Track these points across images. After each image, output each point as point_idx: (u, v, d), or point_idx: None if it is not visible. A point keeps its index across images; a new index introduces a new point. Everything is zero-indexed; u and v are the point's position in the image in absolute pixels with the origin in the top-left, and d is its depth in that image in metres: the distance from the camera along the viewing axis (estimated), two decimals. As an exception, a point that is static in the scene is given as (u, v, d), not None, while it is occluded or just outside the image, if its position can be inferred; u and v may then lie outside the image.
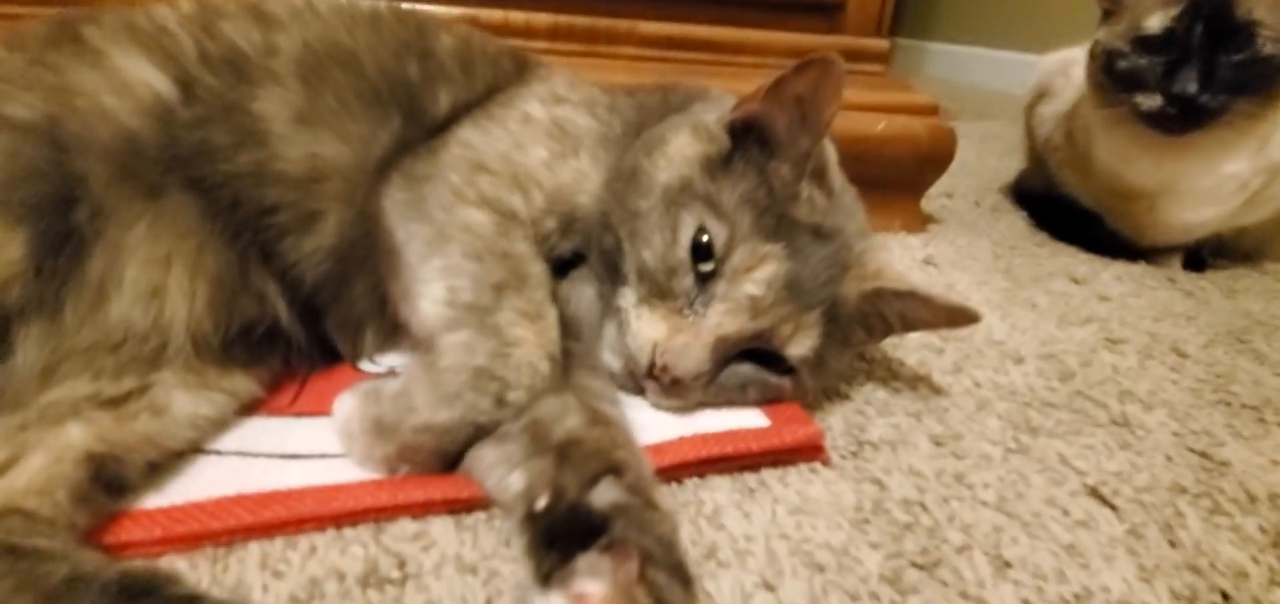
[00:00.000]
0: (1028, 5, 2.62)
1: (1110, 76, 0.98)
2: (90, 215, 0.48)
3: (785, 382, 0.57)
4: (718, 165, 0.55)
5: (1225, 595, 0.46)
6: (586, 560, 0.36)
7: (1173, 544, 0.50)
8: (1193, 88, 0.90)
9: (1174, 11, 0.92)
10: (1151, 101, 0.93)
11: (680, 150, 0.57)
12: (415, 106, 0.59)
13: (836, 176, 0.60)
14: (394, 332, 0.60)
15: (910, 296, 0.58)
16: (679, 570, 0.38)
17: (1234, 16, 0.90)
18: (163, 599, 0.33)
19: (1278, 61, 0.89)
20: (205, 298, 0.51)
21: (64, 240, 0.46)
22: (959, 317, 0.59)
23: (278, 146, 0.53)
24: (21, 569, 0.35)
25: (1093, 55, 1.01)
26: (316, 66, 0.56)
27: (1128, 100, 0.96)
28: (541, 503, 0.41)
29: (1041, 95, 1.21)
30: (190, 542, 0.43)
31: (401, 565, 0.43)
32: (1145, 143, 0.98)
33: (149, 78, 0.52)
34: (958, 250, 1.05)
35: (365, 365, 0.61)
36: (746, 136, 0.56)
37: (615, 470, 0.42)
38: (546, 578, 0.36)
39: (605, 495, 0.41)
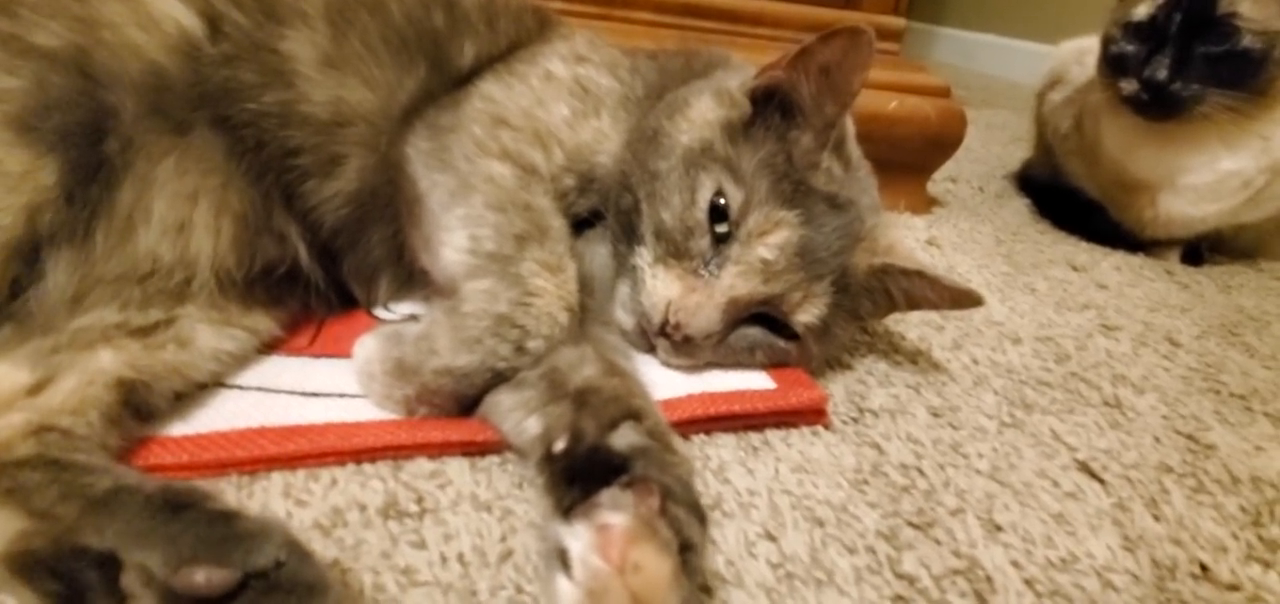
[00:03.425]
0: (1041, -6, 2.60)
1: (1106, 61, 1.01)
2: (120, 148, 0.48)
3: (792, 347, 0.58)
4: (738, 131, 0.56)
5: (1204, 567, 0.48)
6: (609, 494, 0.37)
7: (1157, 518, 0.53)
8: (1162, 74, 0.93)
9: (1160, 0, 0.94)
10: (1130, 86, 0.97)
11: (702, 114, 0.57)
12: (440, 56, 0.59)
13: (854, 149, 0.61)
14: (409, 280, 0.61)
15: (917, 276, 0.59)
16: (696, 509, 0.40)
17: (1214, 9, 0.91)
18: (203, 512, 0.34)
19: (1257, 55, 0.90)
20: (229, 236, 0.52)
21: (95, 170, 0.47)
22: (963, 299, 0.61)
23: (304, 88, 0.54)
24: (66, 480, 0.36)
25: (1102, 41, 1.03)
26: (344, 9, 0.56)
27: (1114, 84, 0.99)
28: (560, 445, 0.43)
29: (1054, 83, 1.22)
30: (216, 468, 0.45)
31: (419, 501, 0.45)
32: (1145, 132, 1.00)
33: (176, 12, 0.53)
34: (960, 234, 1.06)
35: (380, 312, 0.62)
36: (768, 104, 0.57)
37: (634, 416, 0.44)
38: (568, 512, 0.38)
39: (625, 438, 0.42)
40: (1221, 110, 0.93)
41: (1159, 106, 0.95)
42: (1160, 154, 1.00)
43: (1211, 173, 0.99)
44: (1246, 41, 0.90)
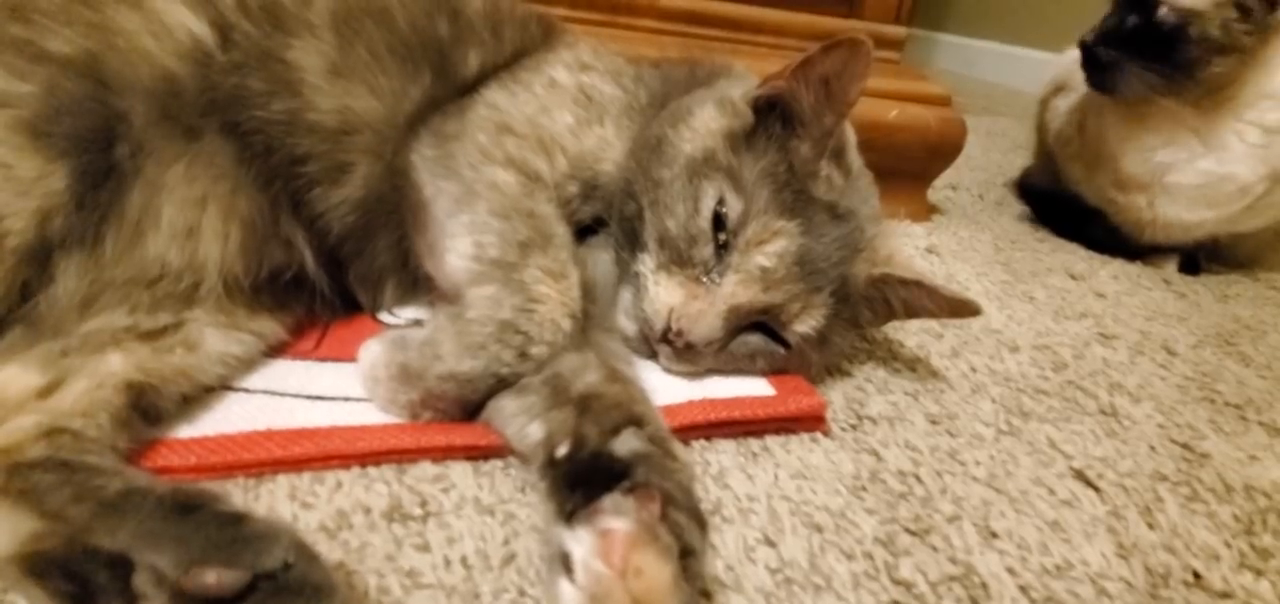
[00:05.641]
0: (1042, 1, 2.61)
1: None
2: (130, 153, 0.49)
3: (793, 354, 0.59)
4: (741, 140, 0.57)
5: (1197, 574, 0.49)
6: (611, 500, 0.38)
7: (1151, 526, 0.53)
8: (1089, 37, 0.99)
9: None
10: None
11: (705, 123, 0.58)
12: (445, 65, 0.60)
13: (855, 158, 0.62)
14: (413, 286, 0.61)
15: (916, 285, 0.60)
16: (696, 514, 0.41)
17: None
18: (213, 514, 0.35)
19: (1169, 30, 0.93)
20: (237, 241, 0.53)
21: (105, 176, 0.48)
22: (961, 308, 0.62)
23: (311, 97, 0.55)
24: (78, 481, 0.37)
25: None
26: (350, 18, 0.57)
27: None
28: (562, 450, 0.43)
29: (1058, 89, 1.23)
30: (222, 471, 0.46)
31: (423, 504, 0.45)
32: (1128, 122, 1.02)
33: (187, 21, 0.53)
34: (960, 241, 1.07)
35: (384, 317, 0.63)
36: (770, 113, 0.57)
37: (636, 422, 0.44)
38: (570, 516, 0.39)
39: (627, 445, 0.43)
40: (1159, 92, 0.95)
41: (1092, 72, 1.00)
42: (1143, 149, 1.02)
43: (1194, 172, 1.00)
44: (1161, 14, 0.93)
